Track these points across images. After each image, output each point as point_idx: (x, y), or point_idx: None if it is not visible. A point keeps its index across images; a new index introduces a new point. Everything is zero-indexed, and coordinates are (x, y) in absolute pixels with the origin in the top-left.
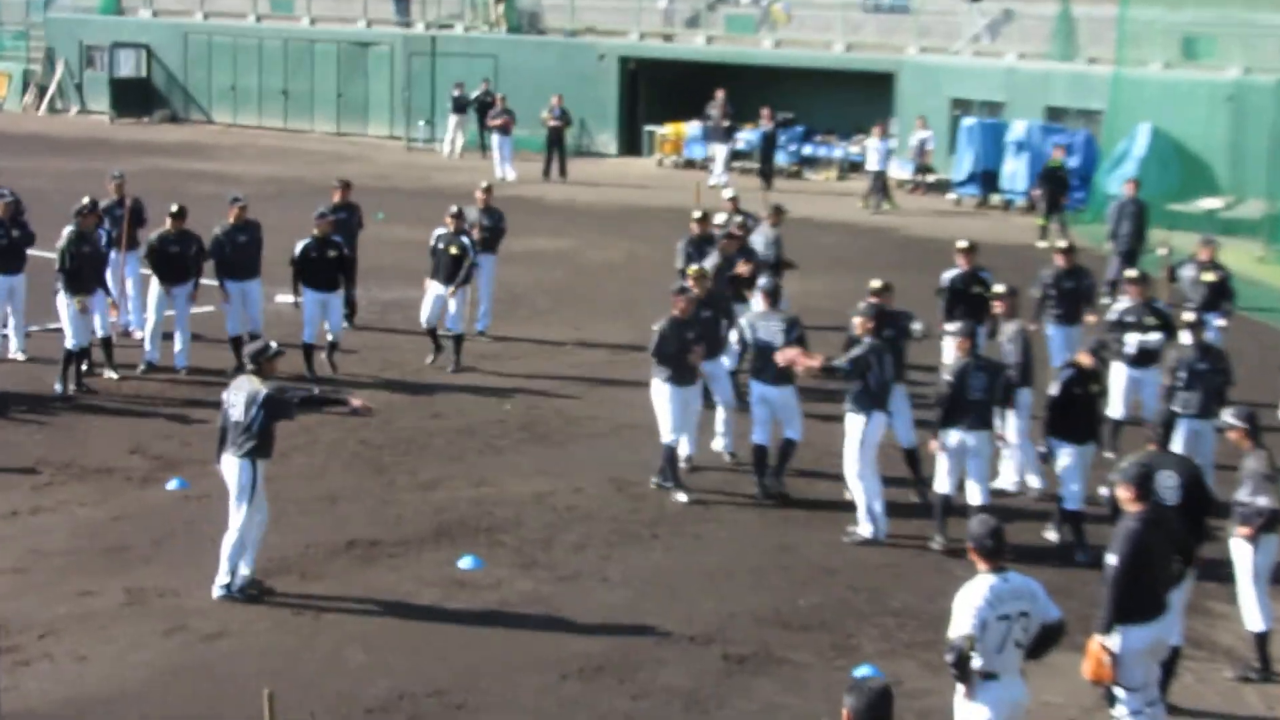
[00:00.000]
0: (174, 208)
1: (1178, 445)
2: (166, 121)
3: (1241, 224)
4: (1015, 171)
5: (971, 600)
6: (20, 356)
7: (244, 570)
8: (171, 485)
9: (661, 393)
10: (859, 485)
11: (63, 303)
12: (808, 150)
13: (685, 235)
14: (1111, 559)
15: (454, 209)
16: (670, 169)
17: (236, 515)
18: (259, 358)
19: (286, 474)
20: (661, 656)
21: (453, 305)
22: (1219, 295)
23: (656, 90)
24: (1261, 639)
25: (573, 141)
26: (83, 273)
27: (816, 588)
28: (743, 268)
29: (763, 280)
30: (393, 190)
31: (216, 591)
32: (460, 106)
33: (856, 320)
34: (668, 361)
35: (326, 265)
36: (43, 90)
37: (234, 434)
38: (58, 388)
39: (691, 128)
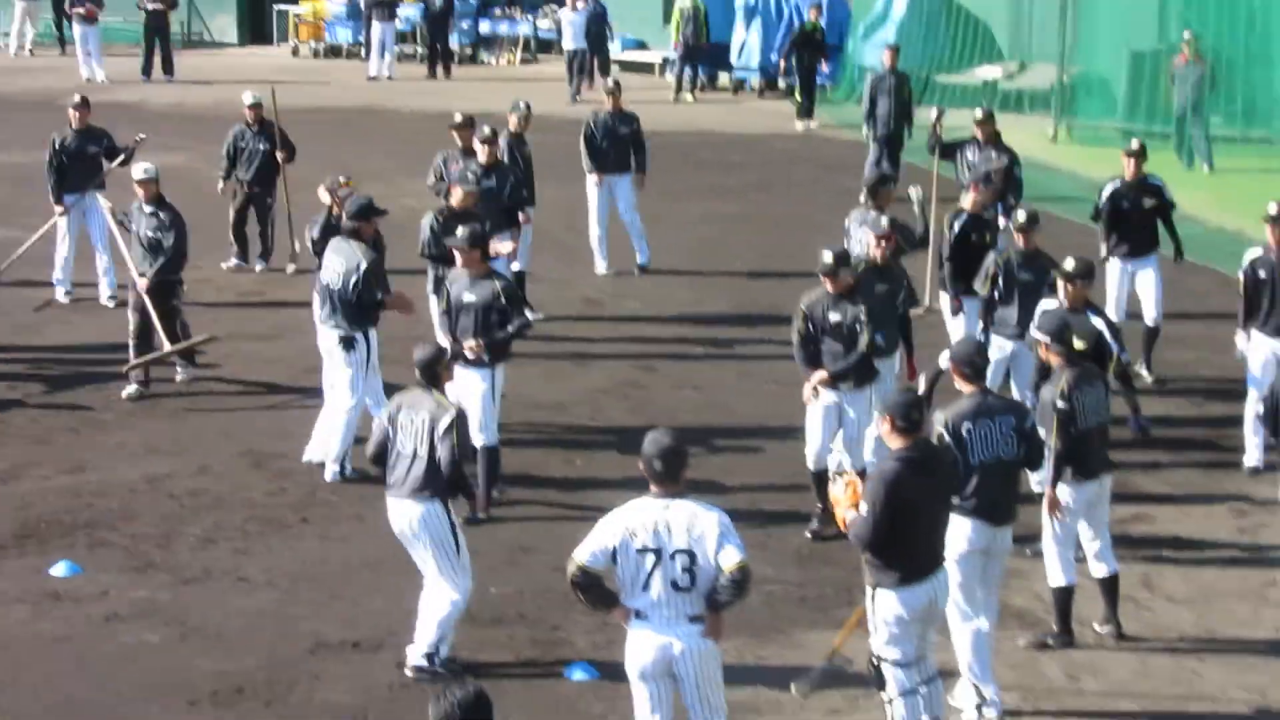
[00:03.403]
0: None
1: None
2: None
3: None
4: (748, 44)
5: None
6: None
7: None
8: None
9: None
10: None
11: None
12: (485, 28)
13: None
14: (862, 508)
15: None
16: (310, 58)
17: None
18: None
19: None
20: (319, 670)
21: None
22: (1004, 185)
23: None
24: (1062, 595)
25: (179, 29)
26: None
27: (512, 572)
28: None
29: None
30: None
31: None
32: None
33: None
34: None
35: None
36: None
37: None
38: None
39: (336, 4)
